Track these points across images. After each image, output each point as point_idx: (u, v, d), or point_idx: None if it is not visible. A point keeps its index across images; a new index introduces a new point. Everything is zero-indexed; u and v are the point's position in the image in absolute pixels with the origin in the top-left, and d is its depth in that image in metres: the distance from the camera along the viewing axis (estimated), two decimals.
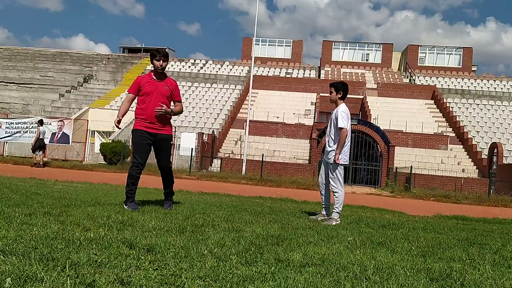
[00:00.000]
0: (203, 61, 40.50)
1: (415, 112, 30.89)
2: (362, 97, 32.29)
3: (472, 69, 41.35)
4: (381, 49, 41.80)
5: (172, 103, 5.16)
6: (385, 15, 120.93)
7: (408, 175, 20.03)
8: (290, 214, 5.86)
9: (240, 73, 37.64)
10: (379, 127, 23.80)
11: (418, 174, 21.07)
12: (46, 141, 21.68)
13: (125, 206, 4.86)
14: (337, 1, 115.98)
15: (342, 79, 35.24)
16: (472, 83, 36.71)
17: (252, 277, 2.36)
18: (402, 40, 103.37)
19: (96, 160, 22.07)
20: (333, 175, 5.42)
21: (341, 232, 4.33)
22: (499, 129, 27.51)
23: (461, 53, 40.98)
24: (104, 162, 20.77)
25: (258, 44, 40.82)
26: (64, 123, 22.50)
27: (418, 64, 40.68)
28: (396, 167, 21.43)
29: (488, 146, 23.90)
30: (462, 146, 26.32)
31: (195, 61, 40.27)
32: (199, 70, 37.95)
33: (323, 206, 5.73)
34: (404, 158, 23.80)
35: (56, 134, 22.07)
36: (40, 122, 17.40)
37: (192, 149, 20.87)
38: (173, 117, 5.66)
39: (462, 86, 36.00)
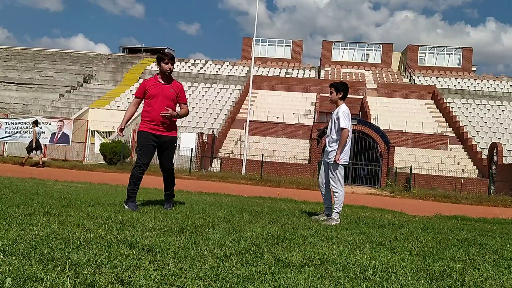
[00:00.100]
0: (203, 61, 40.50)
1: (415, 112, 30.90)
2: (362, 97, 32.30)
3: (472, 69, 41.37)
4: (381, 49, 41.81)
5: (178, 105, 5.22)
6: (385, 15, 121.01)
7: (408, 175, 20.03)
8: (290, 214, 5.86)
9: (240, 73, 37.64)
10: (379, 127, 23.81)
11: (418, 174, 21.07)
12: (43, 141, 21.70)
13: (125, 206, 4.87)
14: (337, 1, 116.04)
15: (342, 79, 35.24)
16: (472, 83, 36.71)
17: (252, 277, 2.36)
18: (402, 40, 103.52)
19: (96, 160, 22.07)
20: (333, 175, 5.43)
21: (341, 232, 4.33)
22: (499, 129, 27.52)
23: (461, 53, 40.99)
24: (104, 162, 20.77)
25: (258, 44, 40.83)
26: (64, 123, 22.49)
27: (418, 64, 40.70)
28: (396, 167, 21.43)
29: (488, 146, 23.90)
30: (462, 146, 26.32)
31: (195, 61, 40.27)
32: (199, 70, 37.96)
33: (325, 206, 5.73)
34: (404, 158, 23.81)
35: (56, 134, 22.06)
36: (35, 123, 17.39)
37: (192, 149, 20.86)
38: None
39: (462, 86, 36.01)
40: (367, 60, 41.90)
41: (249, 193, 10.55)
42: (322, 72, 39.33)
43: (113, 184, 9.65)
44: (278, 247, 3.28)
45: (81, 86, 34.37)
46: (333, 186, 5.44)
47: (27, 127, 21.80)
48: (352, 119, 5.65)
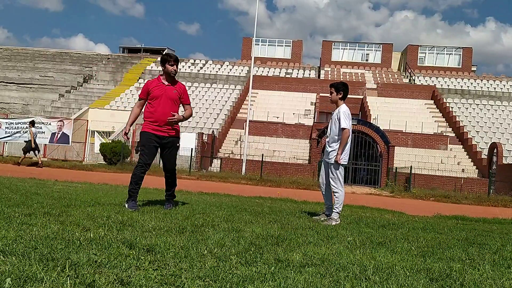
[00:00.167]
0: (203, 61, 40.50)
1: (415, 112, 30.90)
2: (362, 97, 32.30)
3: (472, 69, 41.38)
4: (380, 49, 41.81)
5: (182, 107, 5.27)
6: (384, 15, 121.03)
7: (408, 175, 20.02)
8: (290, 214, 5.86)
9: (240, 73, 37.64)
10: (379, 127, 23.81)
11: (418, 174, 21.07)
12: (42, 141, 21.66)
13: (126, 205, 4.90)
14: (337, 1, 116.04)
15: (342, 79, 35.25)
16: (471, 83, 36.72)
17: (252, 277, 2.36)
18: (401, 40, 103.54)
19: (96, 160, 22.07)
20: (333, 175, 5.43)
21: (341, 232, 4.33)
22: (498, 129, 27.52)
23: (461, 53, 41.00)
24: (104, 162, 20.77)
25: (258, 44, 40.83)
26: (64, 123, 22.48)
27: (418, 64, 40.70)
28: (396, 167, 21.43)
29: (488, 146, 23.91)
30: (462, 146, 26.33)
31: (194, 61, 40.27)
32: (199, 70, 37.96)
33: (325, 206, 5.73)
34: (404, 158, 23.81)
35: (56, 134, 22.05)
36: (32, 123, 17.37)
37: (192, 149, 20.86)
38: None
39: (462, 86, 36.02)
40: (367, 60, 41.90)
41: (249, 193, 10.55)
42: (322, 72, 39.33)
43: (113, 184, 9.65)
44: (278, 247, 3.28)
45: (81, 86, 34.36)
46: (333, 186, 5.45)
47: (27, 127, 21.80)
48: (352, 119, 5.66)
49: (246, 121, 24.26)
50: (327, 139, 5.66)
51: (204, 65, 39.57)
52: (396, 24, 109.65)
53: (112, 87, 34.02)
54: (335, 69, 39.91)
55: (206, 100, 31.46)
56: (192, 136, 22.37)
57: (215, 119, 27.79)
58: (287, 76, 37.54)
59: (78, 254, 2.49)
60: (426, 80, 37.40)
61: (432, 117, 30.37)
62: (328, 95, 5.82)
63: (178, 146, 5.29)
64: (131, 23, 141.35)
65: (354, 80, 36.29)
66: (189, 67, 38.52)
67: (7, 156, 21.99)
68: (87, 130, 24.26)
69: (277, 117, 29.50)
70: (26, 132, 21.67)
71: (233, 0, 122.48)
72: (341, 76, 37.68)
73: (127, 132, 5.12)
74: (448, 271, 2.87)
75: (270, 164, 22.29)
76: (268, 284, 2.26)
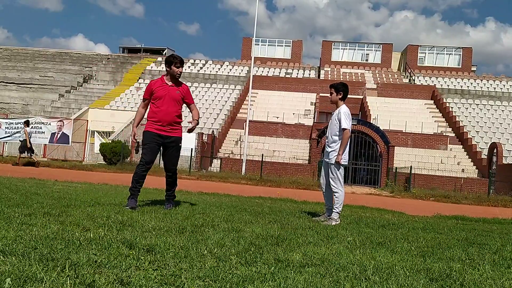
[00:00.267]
0: (203, 61, 40.51)
1: (414, 112, 30.90)
2: (361, 97, 32.30)
3: (472, 69, 41.39)
4: (380, 49, 41.82)
5: (186, 107, 5.41)
6: (384, 15, 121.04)
7: (407, 175, 20.03)
8: (289, 214, 5.86)
9: (239, 73, 37.65)
10: (378, 127, 23.81)
11: (418, 174, 21.07)
12: (42, 141, 21.66)
13: (127, 201, 4.99)
14: (337, 1, 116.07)
15: (341, 79, 35.26)
16: (471, 83, 36.73)
17: (252, 277, 2.36)
18: (401, 40, 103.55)
19: (95, 160, 22.07)
20: (333, 175, 5.44)
21: (340, 232, 4.33)
22: (498, 129, 27.52)
23: (461, 53, 41.01)
24: (103, 162, 20.77)
25: (258, 44, 40.82)
26: (63, 123, 22.49)
27: (418, 64, 40.71)
28: (396, 167, 21.43)
29: (488, 146, 23.91)
30: (461, 146, 26.33)
31: (194, 61, 40.27)
32: (198, 70, 37.96)
33: (326, 207, 5.73)
34: (404, 158, 23.81)
35: (56, 134, 22.06)
36: (27, 123, 17.35)
37: (191, 149, 20.85)
38: None
39: (461, 86, 36.02)
40: (367, 60, 41.91)
41: (249, 193, 10.55)
42: (322, 72, 39.33)
43: (113, 184, 9.65)
44: (278, 247, 3.28)
45: (81, 86, 34.36)
46: (333, 186, 5.46)
47: (31, 129, 21.82)
48: (352, 119, 5.67)
49: (246, 121, 24.27)
50: (326, 140, 5.67)
51: (204, 65, 39.57)
52: (396, 24, 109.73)
53: (112, 87, 34.01)
54: (335, 69, 39.92)
55: (206, 100, 31.46)
56: (192, 136, 22.35)
57: (215, 119, 27.78)
58: (287, 76, 37.54)
59: (78, 254, 2.49)
60: (426, 80, 37.41)
61: (432, 117, 30.37)
62: (328, 95, 5.83)
63: (181, 146, 5.31)
64: (131, 23, 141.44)
65: (354, 80, 36.29)
66: (189, 67, 38.52)
67: (7, 156, 22.00)
68: (87, 130, 24.27)
69: (277, 117, 29.50)
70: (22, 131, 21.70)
71: (233, 0, 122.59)
72: (341, 76, 37.68)
73: (135, 132, 5.18)
74: (448, 271, 2.87)
75: (270, 164, 22.29)
76: (268, 284, 2.26)
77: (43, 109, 29.48)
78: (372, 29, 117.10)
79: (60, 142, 22.39)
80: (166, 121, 5.03)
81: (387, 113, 29.29)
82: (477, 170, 23.63)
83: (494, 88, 35.77)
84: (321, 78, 37.58)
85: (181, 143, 5.31)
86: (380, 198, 15.29)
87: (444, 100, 31.76)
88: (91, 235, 3.08)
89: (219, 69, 38.66)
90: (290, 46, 42.18)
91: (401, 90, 34.13)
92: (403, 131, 26.65)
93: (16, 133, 21.67)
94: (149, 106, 5.18)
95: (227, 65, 39.64)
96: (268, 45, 42.58)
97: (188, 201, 6.47)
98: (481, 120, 29.05)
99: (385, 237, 4.28)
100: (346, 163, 5.51)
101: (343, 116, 5.39)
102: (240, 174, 20.62)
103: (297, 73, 38.75)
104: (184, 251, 2.83)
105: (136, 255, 2.63)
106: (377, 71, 39.79)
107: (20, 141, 17.28)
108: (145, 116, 5.24)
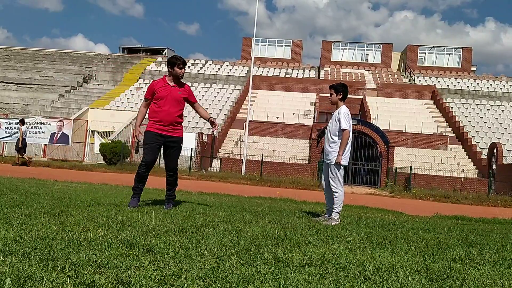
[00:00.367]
0: (203, 61, 40.51)
1: (414, 112, 30.90)
2: (361, 97, 32.30)
3: (472, 69, 41.40)
4: (380, 49, 41.82)
5: (190, 107, 5.50)
6: (384, 15, 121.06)
7: (407, 175, 20.03)
8: (289, 214, 5.86)
9: (239, 73, 37.65)
10: (378, 127, 23.81)
11: (418, 174, 21.07)
12: (42, 141, 21.63)
13: (130, 201, 5.05)
14: (336, 1, 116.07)
15: (341, 79, 35.27)
16: (471, 83, 36.73)
17: (252, 277, 2.36)
18: (401, 40, 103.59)
19: (95, 160, 22.06)
20: (333, 175, 5.45)
21: (340, 232, 4.33)
22: (498, 129, 27.52)
23: (461, 53, 41.01)
24: (103, 162, 20.76)
25: (258, 44, 40.83)
26: (63, 123, 22.49)
27: (418, 64, 40.72)
28: (396, 167, 21.43)
29: (488, 146, 23.91)
30: (461, 146, 26.33)
31: (194, 61, 40.27)
32: (198, 70, 37.96)
33: (326, 208, 5.73)
34: (404, 158, 23.81)
35: (56, 134, 22.06)
36: (22, 122, 17.33)
37: (191, 149, 20.85)
38: None
39: (461, 86, 36.02)
40: (366, 60, 41.91)
41: (249, 193, 10.55)
42: (322, 72, 39.33)
43: (113, 184, 9.65)
44: (278, 247, 3.28)
45: (81, 86, 34.36)
46: (333, 186, 5.46)
47: (26, 128, 21.81)
48: (352, 119, 5.67)
49: (246, 121, 24.27)
50: (326, 140, 5.67)
51: (204, 65, 39.57)
52: (395, 24, 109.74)
53: (112, 87, 34.01)
54: (335, 69, 39.92)
55: (206, 100, 31.46)
56: (192, 136, 22.36)
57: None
58: (287, 76, 37.54)
59: (78, 254, 2.49)
60: (426, 80, 37.41)
61: (432, 117, 30.37)
62: (328, 95, 5.82)
63: (181, 146, 5.33)
64: (131, 23, 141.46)
65: (354, 80, 36.29)
66: (188, 67, 38.50)
67: (6, 156, 21.99)
68: (87, 130, 24.26)
69: (277, 117, 29.50)
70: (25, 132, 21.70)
71: (233, 0, 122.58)
72: (341, 76, 37.68)
73: (139, 131, 5.19)
74: (448, 271, 2.87)
75: (270, 164, 22.29)
76: (268, 284, 2.26)
77: (43, 109, 29.48)
78: (372, 29, 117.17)
79: (60, 142, 22.39)
80: (168, 121, 5.07)
81: (387, 113, 29.29)
82: (477, 170, 23.63)
83: (494, 88, 35.77)
84: (321, 78, 37.58)
85: (182, 143, 5.33)
86: (380, 198, 15.29)
87: (444, 100, 31.76)
88: (91, 235, 3.08)
89: (219, 69, 38.66)
90: (290, 46, 42.19)
91: (401, 90, 34.13)
92: (403, 131, 26.65)
93: (16, 133, 21.65)
94: (150, 106, 5.19)
95: (227, 65, 39.64)
96: (268, 45, 42.59)
97: (188, 201, 6.47)
98: (481, 120, 29.05)
99: (385, 237, 4.27)
100: (346, 163, 5.52)
101: (343, 116, 5.39)
102: (240, 174, 20.62)
103: (297, 73, 38.75)
104: (184, 251, 2.83)
105: (136, 255, 2.63)
106: (377, 71, 39.79)
107: (17, 141, 17.29)
108: (146, 116, 5.26)
